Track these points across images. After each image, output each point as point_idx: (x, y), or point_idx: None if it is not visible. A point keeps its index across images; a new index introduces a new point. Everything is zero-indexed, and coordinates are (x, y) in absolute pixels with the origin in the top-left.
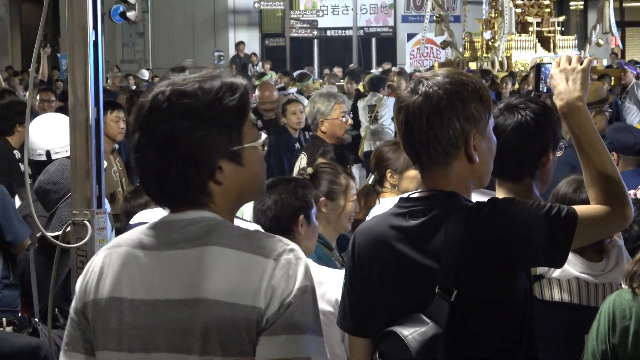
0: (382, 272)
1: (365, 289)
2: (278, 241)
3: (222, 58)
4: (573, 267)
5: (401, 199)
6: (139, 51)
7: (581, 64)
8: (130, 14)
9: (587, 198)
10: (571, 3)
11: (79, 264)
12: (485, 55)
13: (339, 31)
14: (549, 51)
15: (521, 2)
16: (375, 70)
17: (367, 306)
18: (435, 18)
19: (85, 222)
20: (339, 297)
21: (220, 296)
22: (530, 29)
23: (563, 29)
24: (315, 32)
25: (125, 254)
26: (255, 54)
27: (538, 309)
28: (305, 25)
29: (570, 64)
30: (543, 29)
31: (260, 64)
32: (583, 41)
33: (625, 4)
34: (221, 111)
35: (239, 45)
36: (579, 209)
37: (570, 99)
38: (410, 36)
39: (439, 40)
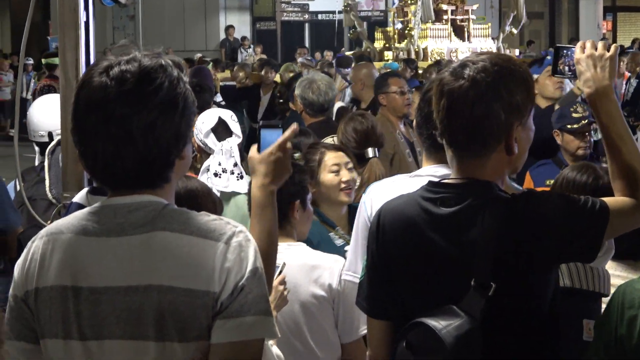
0: (410, 258)
1: (389, 272)
2: (226, 223)
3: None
4: None
5: (431, 183)
6: (129, 34)
7: (608, 50)
8: None
9: (596, 183)
10: None
11: None
12: (398, 44)
13: (330, 15)
14: (464, 40)
15: None
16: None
17: (390, 290)
18: (343, 7)
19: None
20: (333, 282)
21: (174, 282)
22: (445, 17)
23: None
24: (306, 16)
25: (69, 241)
26: (246, 38)
27: None
28: (296, 9)
29: (596, 50)
30: (457, 17)
31: (252, 48)
32: (497, 30)
33: None
34: (185, 87)
35: (229, 29)
36: (608, 201)
37: (599, 86)
38: None
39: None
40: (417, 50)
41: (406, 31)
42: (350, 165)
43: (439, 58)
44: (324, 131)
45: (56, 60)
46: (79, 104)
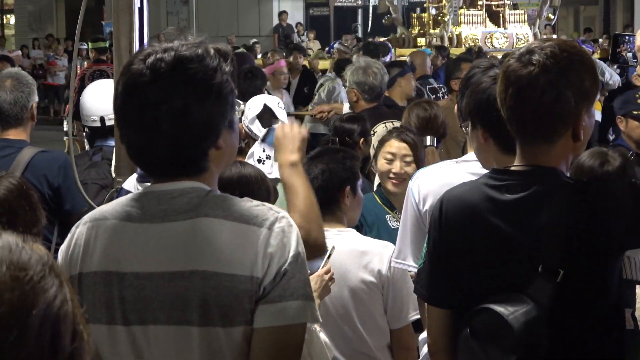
0: (474, 245)
1: (453, 260)
2: (268, 209)
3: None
4: None
5: (495, 171)
6: (183, 19)
7: None
8: None
9: (613, 171)
10: None
11: None
12: (432, 30)
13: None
14: (499, 26)
15: None
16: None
17: (453, 278)
18: None
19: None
20: (382, 268)
21: (218, 267)
22: (480, 2)
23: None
24: (359, 2)
25: (113, 227)
26: (301, 24)
27: None
28: None
29: None
30: (492, 3)
31: (305, 33)
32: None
33: None
34: (223, 77)
35: (282, 14)
36: None
37: None
38: None
39: None
40: (450, 36)
41: (439, 17)
42: (409, 158)
43: (472, 44)
44: (377, 118)
45: (101, 44)
46: (118, 90)
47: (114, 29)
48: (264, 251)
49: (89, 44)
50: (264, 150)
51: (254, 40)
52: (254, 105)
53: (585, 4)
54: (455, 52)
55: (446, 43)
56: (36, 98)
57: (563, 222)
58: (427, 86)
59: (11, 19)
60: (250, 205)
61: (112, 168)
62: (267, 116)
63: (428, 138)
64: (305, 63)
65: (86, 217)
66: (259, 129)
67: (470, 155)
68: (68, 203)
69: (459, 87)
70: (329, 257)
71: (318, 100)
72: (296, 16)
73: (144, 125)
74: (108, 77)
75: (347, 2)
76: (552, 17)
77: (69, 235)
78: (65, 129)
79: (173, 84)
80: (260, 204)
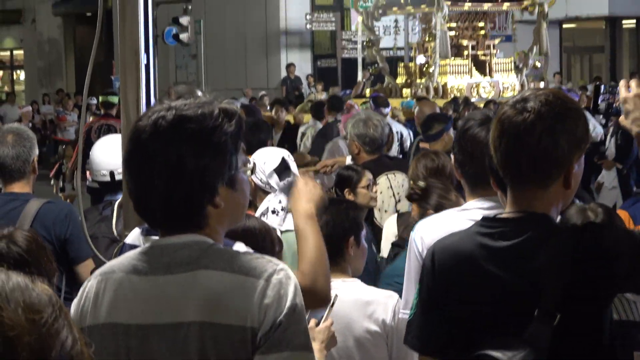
0: (469, 292)
1: (448, 308)
2: (267, 262)
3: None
4: None
5: (486, 219)
6: (192, 73)
7: None
8: (183, 36)
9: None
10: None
11: None
12: (419, 80)
13: (390, 51)
14: (485, 75)
15: (455, 25)
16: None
17: (448, 326)
18: (365, 43)
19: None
20: (387, 318)
21: (216, 318)
22: (465, 52)
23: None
24: (365, 53)
25: (120, 280)
26: (311, 75)
27: None
28: (356, 46)
29: None
30: (478, 53)
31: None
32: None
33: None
34: (222, 137)
35: (290, 67)
36: None
37: None
38: None
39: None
40: (436, 86)
41: (424, 68)
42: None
43: (458, 94)
44: (379, 169)
45: (113, 99)
46: (125, 144)
47: (121, 84)
48: (260, 302)
49: (100, 97)
50: (280, 202)
51: (262, 92)
52: (269, 159)
53: (591, 52)
54: (440, 102)
55: (431, 93)
56: (37, 151)
57: (559, 267)
58: None
59: (21, 74)
60: (251, 257)
61: (114, 223)
62: (283, 169)
63: None
64: (290, 118)
65: (97, 271)
66: (276, 182)
67: (471, 203)
68: (73, 252)
69: (456, 138)
70: (332, 306)
71: (303, 149)
72: (304, 68)
73: (141, 176)
74: (115, 131)
75: (354, 54)
76: (538, 65)
77: (81, 288)
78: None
79: (170, 139)
80: (261, 256)
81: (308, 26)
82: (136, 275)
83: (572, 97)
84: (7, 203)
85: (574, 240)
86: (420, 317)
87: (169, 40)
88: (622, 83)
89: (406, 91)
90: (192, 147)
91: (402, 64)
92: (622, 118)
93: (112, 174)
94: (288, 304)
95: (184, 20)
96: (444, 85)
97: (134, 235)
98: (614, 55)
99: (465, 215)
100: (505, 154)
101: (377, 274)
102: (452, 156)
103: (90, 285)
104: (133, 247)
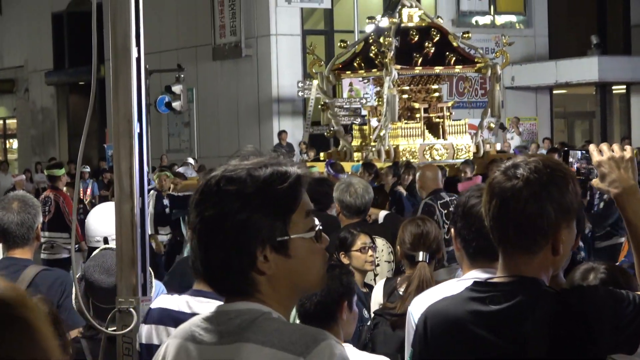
0: (461, 357)
1: None
2: (312, 335)
3: None
4: None
5: (477, 283)
6: (184, 140)
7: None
8: (176, 104)
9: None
10: None
11: (124, 350)
12: (373, 143)
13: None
14: (438, 137)
15: (408, 88)
16: None
17: None
18: (320, 106)
19: (131, 309)
20: None
21: None
22: (418, 115)
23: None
24: (358, 120)
25: (178, 347)
26: (304, 142)
27: None
28: (348, 113)
29: (613, 152)
30: (431, 115)
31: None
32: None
33: None
34: (267, 198)
35: (282, 134)
36: None
37: (627, 186)
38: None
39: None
40: (387, 149)
41: (375, 132)
42: None
43: (410, 157)
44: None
45: (57, 172)
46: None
47: (114, 152)
48: None
49: (45, 171)
50: None
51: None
52: None
53: (582, 117)
54: (384, 166)
55: (383, 157)
56: (40, 219)
57: (547, 331)
58: (439, 201)
59: (14, 143)
60: (295, 330)
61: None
62: None
63: (421, 254)
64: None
65: (173, 332)
66: None
67: (470, 274)
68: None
69: (455, 210)
70: None
71: None
72: (296, 134)
73: (195, 237)
74: (52, 203)
75: (347, 120)
76: (492, 125)
77: (157, 351)
78: None
79: (210, 200)
80: (308, 329)
81: (300, 94)
82: (192, 343)
83: (564, 164)
84: (6, 267)
85: (559, 306)
86: None
87: (161, 109)
88: (591, 147)
89: (357, 155)
90: (230, 206)
91: (356, 127)
92: (596, 181)
93: (105, 240)
94: None
95: (177, 88)
96: (396, 148)
97: (162, 300)
98: (604, 120)
99: (464, 286)
100: (494, 219)
101: (358, 340)
102: (452, 231)
103: (164, 346)
104: (164, 310)
